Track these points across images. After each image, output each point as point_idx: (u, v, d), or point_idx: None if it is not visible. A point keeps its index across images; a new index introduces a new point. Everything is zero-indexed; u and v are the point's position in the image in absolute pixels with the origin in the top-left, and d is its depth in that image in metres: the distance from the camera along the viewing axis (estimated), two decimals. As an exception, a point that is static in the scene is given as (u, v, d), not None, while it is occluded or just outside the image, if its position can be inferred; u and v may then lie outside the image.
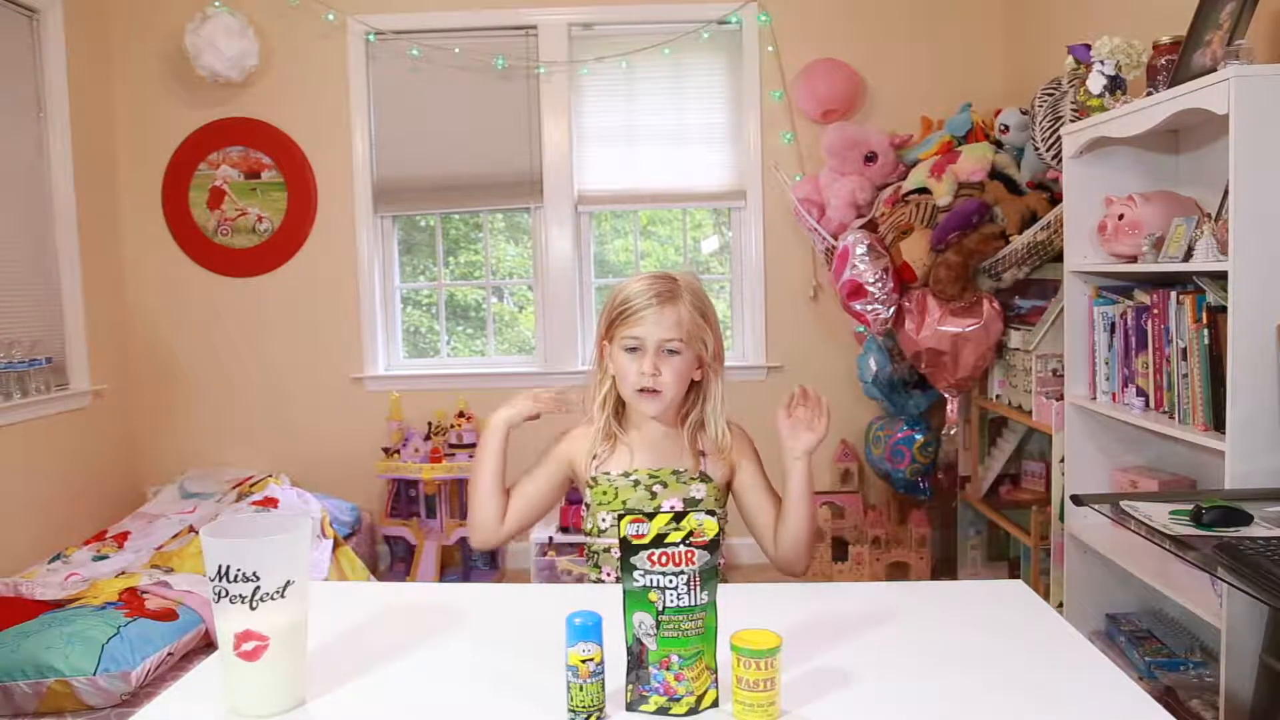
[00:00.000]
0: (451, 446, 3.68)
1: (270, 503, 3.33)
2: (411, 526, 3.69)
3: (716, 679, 1.02)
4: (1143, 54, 2.24)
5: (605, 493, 1.57)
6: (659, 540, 0.99)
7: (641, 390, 1.53)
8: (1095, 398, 2.39)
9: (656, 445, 1.60)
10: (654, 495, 1.55)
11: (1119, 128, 2.18)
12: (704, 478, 1.58)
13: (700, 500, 1.56)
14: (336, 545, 3.23)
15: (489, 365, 4.00)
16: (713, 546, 1.00)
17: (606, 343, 1.58)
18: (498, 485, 1.58)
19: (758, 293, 3.84)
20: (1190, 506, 1.52)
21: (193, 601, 2.64)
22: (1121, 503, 1.65)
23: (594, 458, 1.60)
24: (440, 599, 1.41)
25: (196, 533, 2.95)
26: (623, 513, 1.01)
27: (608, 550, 1.58)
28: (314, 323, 3.88)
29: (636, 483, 1.56)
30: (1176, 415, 2.04)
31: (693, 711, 1.01)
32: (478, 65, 3.78)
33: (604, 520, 1.57)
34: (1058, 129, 2.53)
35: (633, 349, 1.53)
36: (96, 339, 3.62)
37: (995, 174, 3.11)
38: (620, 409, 1.62)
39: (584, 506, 1.63)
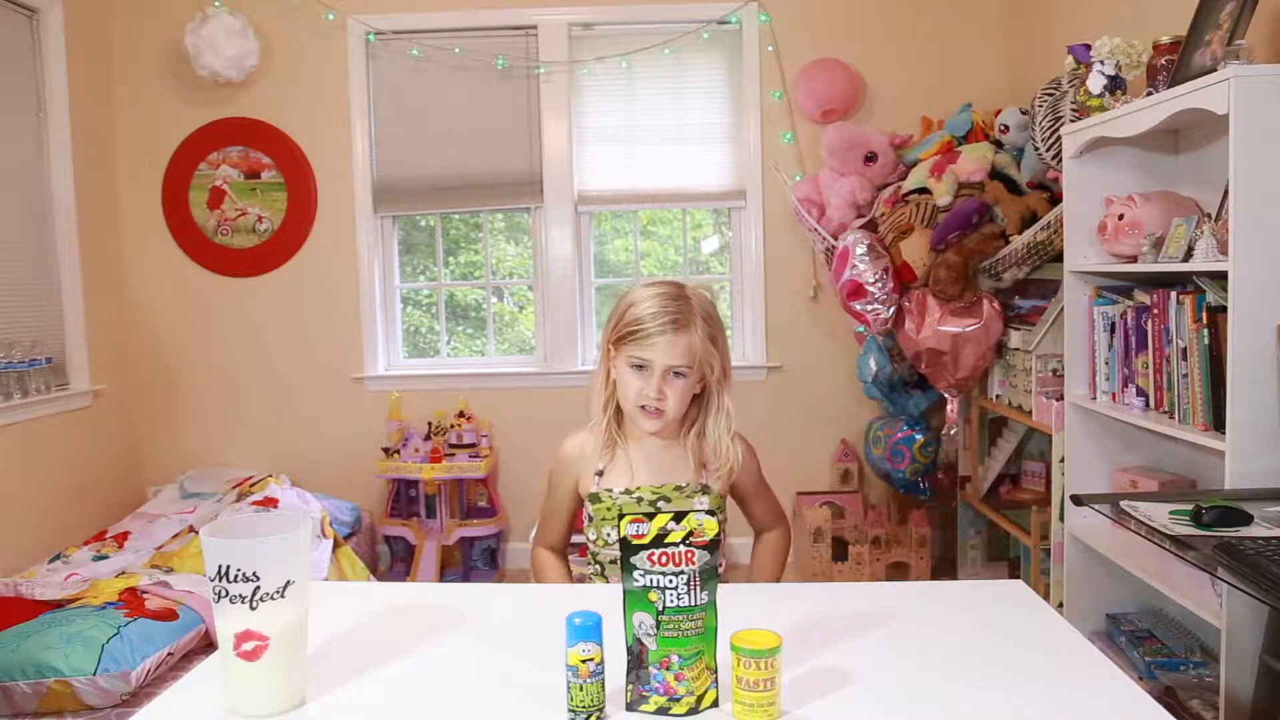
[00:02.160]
0: (451, 446, 3.68)
1: (270, 503, 3.33)
2: (411, 526, 3.69)
3: (716, 679, 1.02)
4: (1143, 54, 2.24)
5: (609, 509, 1.56)
6: (659, 540, 0.99)
7: (644, 409, 1.52)
8: (1095, 398, 2.39)
9: (656, 457, 1.59)
10: (659, 511, 1.55)
11: (1119, 128, 2.18)
12: (705, 489, 1.57)
13: None
14: (336, 545, 3.23)
15: (489, 365, 4.00)
16: (713, 546, 1.00)
17: (612, 348, 1.55)
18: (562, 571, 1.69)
19: (758, 293, 3.84)
20: (1190, 506, 1.52)
21: (193, 601, 2.64)
22: (1121, 503, 1.65)
23: (597, 474, 1.59)
24: (440, 599, 1.41)
25: (196, 533, 2.95)
26: (623, 513, 1.01)
27: (614, 562, 1.57)
28: (314, 323, 3.88)
29: (640, 499, 1.55)
30: (1176, 415, 2.04)
31: (693, 711, 1.01)
32: (478, 65, 3.78)
33: (610, 534, 1.56)
34: (1058, 129, 2.53)
35: (639, 367, 1.51)
36: (96, 339, 3.62)
37: (995, 174, 3.11)
38: (621, 414, 1.60)
39: (586, 519, 1.62)
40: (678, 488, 1.56)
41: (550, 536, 1.68)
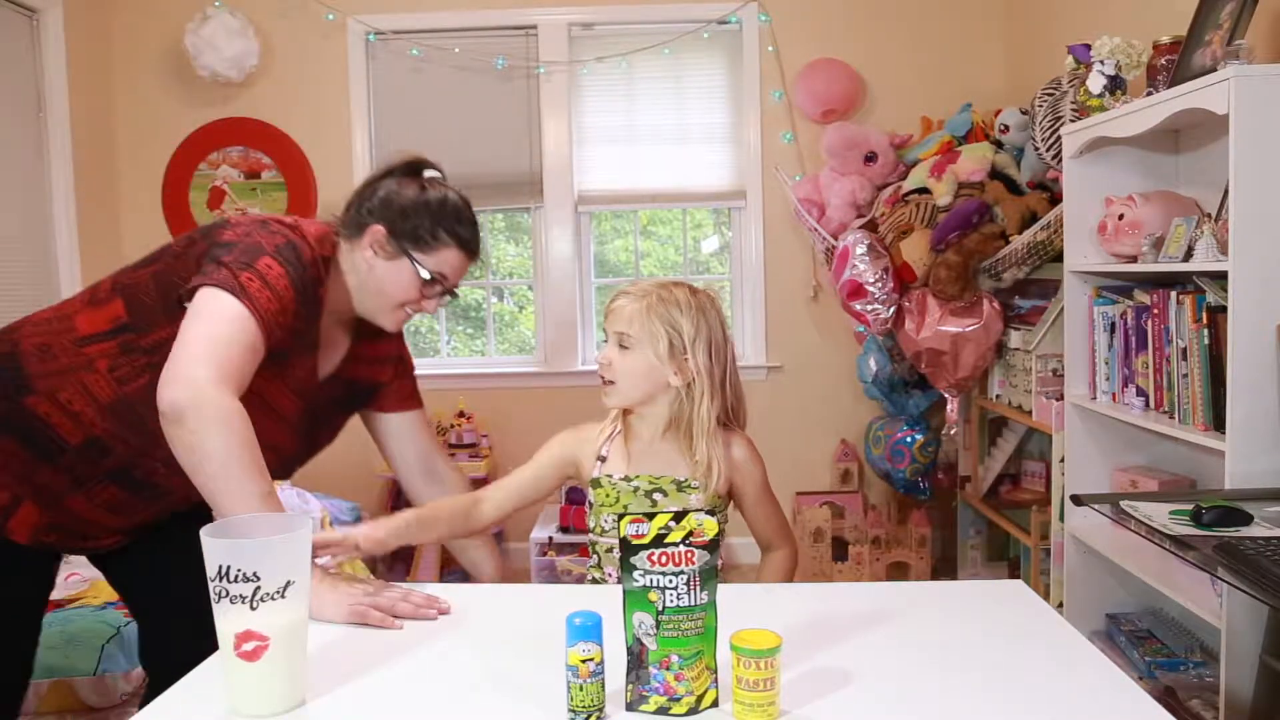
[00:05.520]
0: (451, 447, 3.67)
1: (270, 503, 3.33)
2: (411, 526, 3.68)
3: (716, 679, 1.02)
4: (1143, 54, 2.24)
5: (608, 495, 1.59)
6: (659, 540, 0.99)
7: (602, 379, 1.58)
8: (1095, 398, 2.39)
9: (654, 450, 1.61)
10: (654, 503, 1.56)
11: (1119, 128, 2.18)
12: (704, 487, 1.58)
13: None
14: (336, 545, 3.23)
15: (489, 365, 4.00)
16: (712, 546, 1.00)
17: None
18: (448, 522, 1.58)
19: (758, 293, 3.84)
20: (1190, 506, 1.52)
21: (193, 601, 2.64)
22: (1121, 503, 1.65)
23: (600, 460, 1.62)
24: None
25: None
26: (622, 513, 1.01)
27: (610, 551, 1.59)
28: (314, 323, 3.88)
29: (637, 489, 1.58)
30: (1176, 415, 2.04)
31: (693, 711, 1.01)
32: (478, 65, 3.78)
33: (607, 521, 1.58)
34: (1058, 129, 2.53)
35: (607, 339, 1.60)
36: (96, 339, 3.62)
37: (995, 174, 3.11)
38: (627, 411, 1.64)
39: (587, 505, 1.64)
40: (675, 481, 1.58)
41: (490, 488, 1.65)
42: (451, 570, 3.79)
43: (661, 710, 1.00)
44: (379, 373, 1.67)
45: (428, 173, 1.56)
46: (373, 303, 1.51)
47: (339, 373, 1.60)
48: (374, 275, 1.48)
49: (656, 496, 1.57)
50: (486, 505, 1.60)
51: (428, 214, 1.49)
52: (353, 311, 1.54)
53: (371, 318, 1.53)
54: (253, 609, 0.98)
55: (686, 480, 1.57)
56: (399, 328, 1.58)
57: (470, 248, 1.54)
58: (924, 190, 3.18)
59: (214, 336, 1.29)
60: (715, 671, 1.02)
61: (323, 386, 1.56)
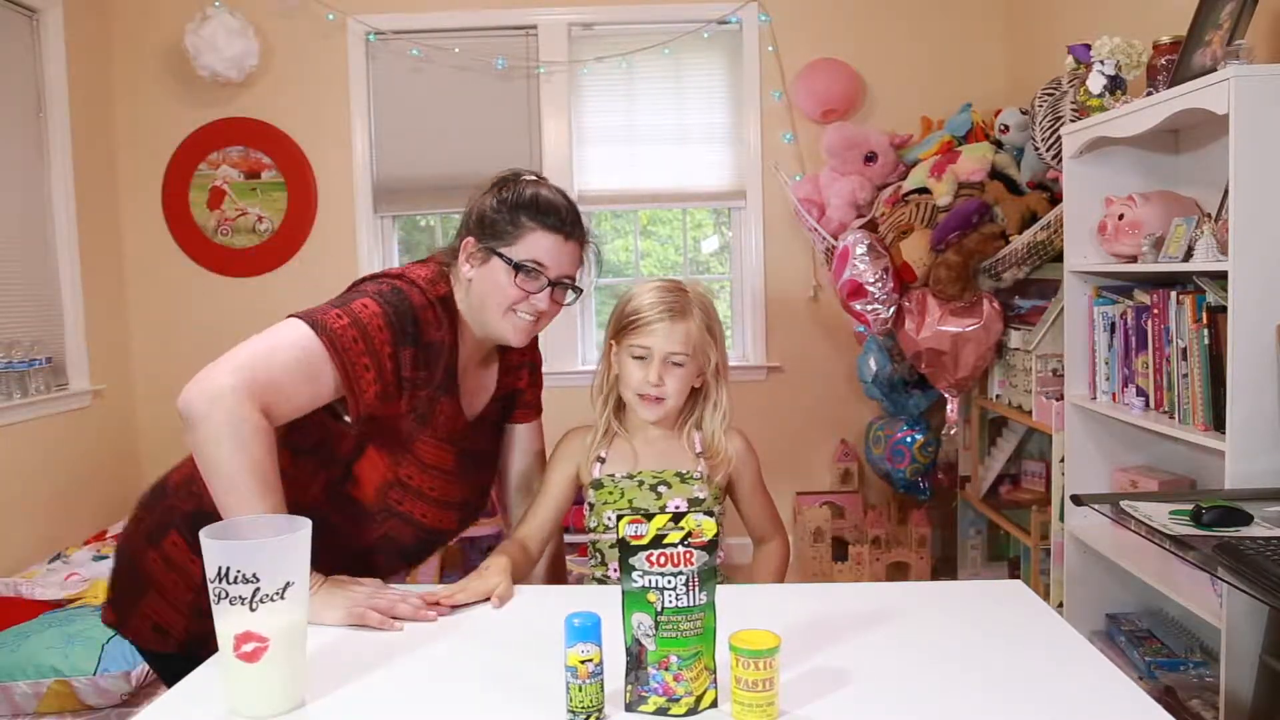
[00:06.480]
0: (451, 446, 3.67)
1: (270, 503, 3.33)
2: (411, 526, 3.68)
3: (715, 679, 1.02)
4: (1143, 54, 2.24)
5: (611, 493, 1.60)
6: (657, 541, 0.99)
7: (643, 396, 1.57)
8: (1095, 398, 2.39)
9: (656, 445, 1.63)
10: (659, 495, 1.57)
11: (1119, 128, 2.18)
12: (705, 478, 1.60)
13: (703, 500, 1.58)
14: (336, 545, 3.23)
15: (489, 365, 4.00)
16: (711, 547, 1.00)
17: (614, 344, 1.62)
18: (521, 567, 1.54)
19: (758, 293, 3.84)
20: (1190, 506, 1.52)
21: (193, 601, 2.64)
22: (1121, 503, 1.65)
23: (599, 461, 1.62)
24: (440, 599, 1.41)
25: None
26: (621, 513, 1.01)
27: (614, 547, 1.59)
28: (314, 323, 3.88)
29: (641, 483, 1.59)
30: (1176, 415, 2.04)
31: (692, 712, 1.01)
32: (478, 65, 3.78)
33: (610, 519, 1.58)
34: (1058, 129, 2.53)
35: (640, 357, 1.57)
36: (96, 339, 3.62)
37: (995, 174, 3.10)
38: (621, 408, 1.65)
39: (586, 506, 1.64)
40: (678, 473, 1.59)
41: (525, 526, 1.63)
42: (450, 572, 3.79)
43: (660, 711, 1.01)
44: (516, 380, 1.66)
45: (524, 178, 1.51)
46: (485, 318, 1.48)
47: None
48: (474, 288, 1.46)
49: (661, 489, 1.58)
50: (529, 542, 1.60)
51: (506, 209, 1.45)
52: (484, 347, 1.54)
53: (496, 337, 1.51)
54: (252, 610, 0.98)
55: (689, 472, 1.59)
56: (525, 338, 1.52)
57: (558, 228, 1.45)
58: (924, 190, 3.18)
59: (263, 351, 1.28)
60: (714, 672, 1.02)
61: (473, 425, 1.54)
